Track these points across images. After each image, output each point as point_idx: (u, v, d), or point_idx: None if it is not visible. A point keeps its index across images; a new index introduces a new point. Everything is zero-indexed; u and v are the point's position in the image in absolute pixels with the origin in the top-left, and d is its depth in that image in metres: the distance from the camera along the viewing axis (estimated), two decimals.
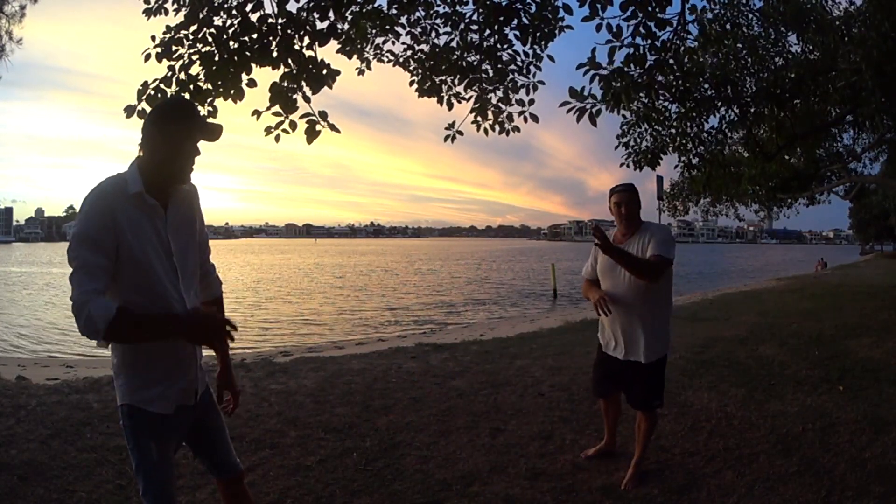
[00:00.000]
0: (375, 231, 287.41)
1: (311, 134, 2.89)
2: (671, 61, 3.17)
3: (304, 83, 3.00)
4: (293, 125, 2.98)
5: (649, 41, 2.97)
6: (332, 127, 2.93)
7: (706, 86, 6.53)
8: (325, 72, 3.00)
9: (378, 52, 4.11)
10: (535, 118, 3.84)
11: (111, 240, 1.39)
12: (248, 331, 12.22)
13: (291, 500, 2.58)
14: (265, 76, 3.05)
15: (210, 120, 1.57)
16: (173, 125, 1.49)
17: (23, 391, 4.18)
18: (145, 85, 2.99)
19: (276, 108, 2.97)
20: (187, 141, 1.51)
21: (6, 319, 14.17)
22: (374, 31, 3.86)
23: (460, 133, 3.93)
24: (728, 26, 6.46)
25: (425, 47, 3.95)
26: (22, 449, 2.99)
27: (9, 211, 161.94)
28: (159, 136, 1.48)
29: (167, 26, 3.03)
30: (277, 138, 3.01)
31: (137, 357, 1.49)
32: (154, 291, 1.46)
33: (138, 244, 1.43)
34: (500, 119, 3.93)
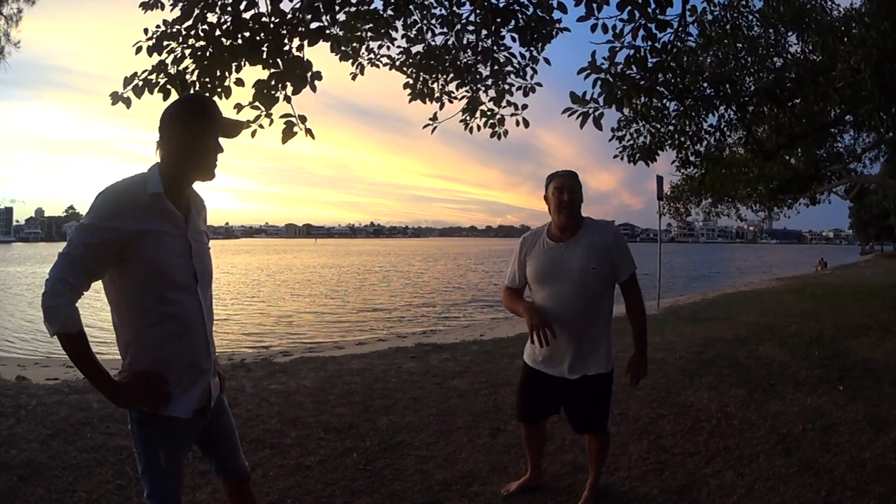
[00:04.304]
0: (375, 231, 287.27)
1: (287, 134, 2.87)
2: (672, 63, 3.15)
3: (287, 83, 3.00)
4: (270, 120, 2.98)
5: (650, 43, 2.97)
6: (308, 132, 2.92)
7: (705, 84, 6.53)
8: (309, 74, 2.99)
9: (373, 55, 4.10)
10: (525, 123, 3.81)
11: (113, 248, 1.37)
12: (244, 330, 12.23)
13: (291, 500, 2.58)
14: (252, 75, 3.06)
15: (231, 117, 1.55)
16: (195, 122, 1.47)
17: (23, 391, 4.17)
18: (134, 75, 2.99)
19: (256, 102, 2.97)
20: (210, 138, 1.50)
21: None
22: (368, 35, 3.85)
23: (441, 122, 3.91)
24: (728, 28, 6.46)
25: (420, 48, 3.94)
26: (22, 449, 2.99)
27: (9, 211, 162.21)
28: (182, 133, 1.46)
29: (163, 21, 3.03)
30: (254, 133, 3.00)
31: (151, 365, 1.46)
32: (165, 297, 1.44)
33: (151, 244, 1.41)
34: (491, 122, 3.91)
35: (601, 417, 2.41)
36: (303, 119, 2.90)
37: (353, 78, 4.13)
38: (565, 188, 2.32)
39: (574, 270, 2.28)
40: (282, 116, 2.90)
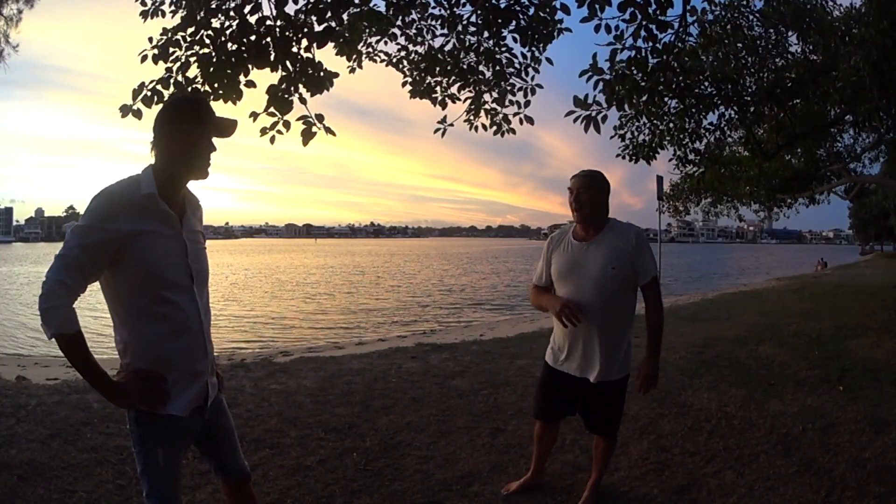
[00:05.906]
0: (375, 231, 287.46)
1: (307, 136, 2.87)
2: (673, 63, 3.15)
3: (301, 85, 3.00)
4: (287, 125, 2.98)
5: (650, 44, 2.96)
6: (328, 130, 2.91)
7: (706, 84, 6.53)
8: (322, 74, 2.99)
9: (371, 50, 4.10)
10: (530, 121, 3.82)
11: (108, 249, 1.38)
12: (245, 330, 12.23)
13: (291, 500, 2.58)
14: (263, 78, 3.05)
15: (224, 115, 1.56)
16: (187, 122, 1.47)
17: (23, 391, 4.17)
18: (142, 85, 2.99)
19: (272, 108, 2.97)
20: (201, 138, 1.50)
21: None
22: (371, 31, 3.84)
23: (451, 126, 3.92)
24: (728, 28, 6.46)
25: (420, 49, 3.94)
26: (22, 449, 2.99)
27: (9, 211, 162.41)
28: (175, 133, 1.46)
29: (164, 28, 3.03)
30: (272, 140, 3.00)
31: (149, 364, 1.46)
32: (161, 297, 1.44)
33: (146, 245, 1.42)
34: (496, 120, 3.92)
35: (615, 419, 2.45)
36: (320, 118, 2.88)
37: (352, 72, 4.11)
38: (576, 188, 2.35)
39: (594, 270, 2.29)
40: (299, 119, 2.90)
